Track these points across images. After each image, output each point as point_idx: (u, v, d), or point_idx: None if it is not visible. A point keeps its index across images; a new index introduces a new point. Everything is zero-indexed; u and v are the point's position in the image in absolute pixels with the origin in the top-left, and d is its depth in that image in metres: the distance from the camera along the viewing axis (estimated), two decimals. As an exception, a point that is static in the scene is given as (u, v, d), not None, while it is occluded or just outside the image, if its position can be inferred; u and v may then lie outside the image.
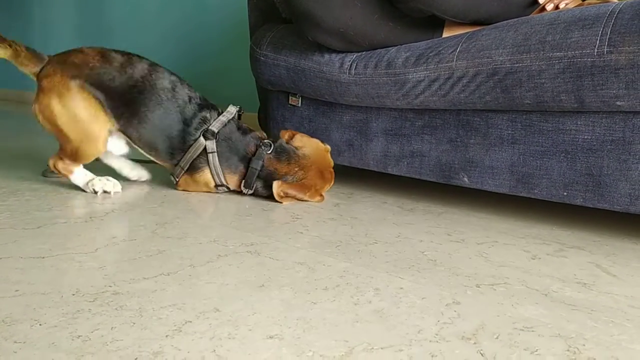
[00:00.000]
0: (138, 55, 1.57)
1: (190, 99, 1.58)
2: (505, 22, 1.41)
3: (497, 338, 0.78)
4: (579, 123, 1.31)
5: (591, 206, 1.32)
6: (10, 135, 3.03)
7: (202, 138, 1.55)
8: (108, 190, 1.54)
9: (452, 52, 1.44)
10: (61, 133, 1.46)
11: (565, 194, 1.35)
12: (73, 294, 0.85)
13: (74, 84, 1.44)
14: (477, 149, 1.50)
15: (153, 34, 3.09)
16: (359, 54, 1.64)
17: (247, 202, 1.60)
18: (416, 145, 1.62)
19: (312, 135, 1.75)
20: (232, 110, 1.64)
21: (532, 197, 1.42)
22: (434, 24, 1.57)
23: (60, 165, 1.50)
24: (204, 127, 1.57)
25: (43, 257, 1.01)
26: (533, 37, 1.30)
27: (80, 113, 1.44)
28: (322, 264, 1.07)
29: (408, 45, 1.56)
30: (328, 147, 1.72)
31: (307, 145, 1.67)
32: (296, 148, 1.65)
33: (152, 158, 1.61)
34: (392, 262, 1.10)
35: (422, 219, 1.48)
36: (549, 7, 1.49)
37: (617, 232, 1.43)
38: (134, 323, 0.76)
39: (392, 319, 0.83)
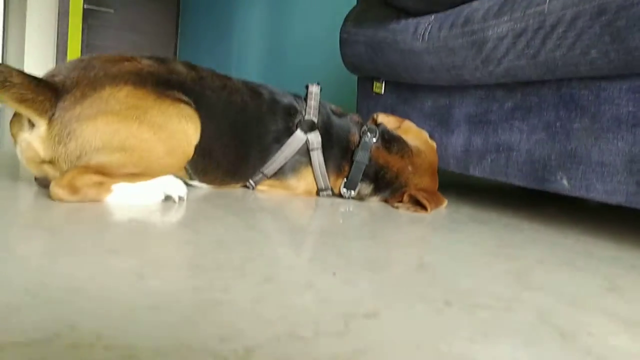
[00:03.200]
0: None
1: (268, 91, 1.20)
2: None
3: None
4: None
5: None
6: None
7: (299, 131, 1.18)
8: (177, 194, 0.99)
9: (546, -9, 0.99)
10: (134, 154, 0.91)
11: None
12: None
13: (153, 91, 0.95)
14: (582, 136, 1.01)
15: (320, 54, 3.06)
16: (437, 15, 1.26)
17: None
18: (503, 135, 1.17)
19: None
20: (315, 90, 1.22)
21: (662, 211, 0.88)
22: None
23: (94, 191, 0.89)
24: (297, 118, 1.19)
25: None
26: (666, -52, 0.81)
27: (171, 120, 0.95)
28: (241, 245, 0.74)
29: (497, -5, 1.15)
30: (434, 144, 1.34)
31: (417, 138, 1.29)
32: (406, 139, 1.27)
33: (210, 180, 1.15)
34: (356, 260, 0.72)
35: (483, 230, 1.03)
36: None
37: None
38: None
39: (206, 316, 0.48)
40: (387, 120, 1.31)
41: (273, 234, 0.83)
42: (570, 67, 0.99)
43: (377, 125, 1.27)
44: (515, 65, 1.08)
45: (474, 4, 1.17)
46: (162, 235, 0.75)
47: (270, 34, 3.74)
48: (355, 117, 1.31)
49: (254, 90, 1.17)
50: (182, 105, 0.98)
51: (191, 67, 1.09)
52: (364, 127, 1.24)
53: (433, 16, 1.27)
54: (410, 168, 1.23)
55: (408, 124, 1.32)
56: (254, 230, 0.83)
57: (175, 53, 5.56)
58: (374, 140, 1.22)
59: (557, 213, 1.38)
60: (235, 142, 1.12)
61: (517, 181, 1.15)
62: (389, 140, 1.24)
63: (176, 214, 0.89)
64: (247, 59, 4.08)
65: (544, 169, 1.08)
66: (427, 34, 1.25)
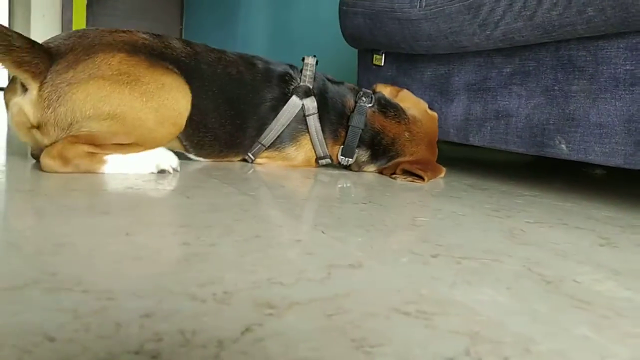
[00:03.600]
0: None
1: (262, 61, 1.20)
2: None
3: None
4: None
5: None
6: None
7: (294, 97, 1.17)
8: (170, 165, 0.99)
9: (542, -50, 0.97)
10: (126, 122, 0.90)
11: None
12: None
13: (145, 60, 0.95)
14: (580, 99, 0.99)
15: (329, 38, 3.05)
16: (435, -19, 1.24)
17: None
18: (502, 101, 1.16)
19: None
20: (311, 61, 1.22)
21: (661, 170, 0.87)
22: None
23: (86, 162, 0.89)
24: (293, 85, 1.19)
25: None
26: None
27: (163, 89, 0.94)
28: (233, 207, 0.74)
29: (494, -42, 1.13)
30: (435, 114, 1.33)
31: (415, 106, 1.28)
32: (403, 106, 1.26)
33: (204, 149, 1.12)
34: (347, 220, 0.72)
35: (481, 196, 1.02)
36: None
37: None
38: None
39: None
40: (385, 90, 1.30)
41: (267, 199, 0.83)
42: (567, 28, 0.97)
43: (375, 93, 1.26)
44: (512, 28, 1.06)
45: (470, -32, 1.15)
46: (154, 201, 0.76)
47: (275, 12, 3.72)
48: (351, 85, 1.31)
49: (248, 62, 1.17)
50: (174, 76, 0.98)
51: (186, 43, 1.10)
52: (360, 92, 1.24)
53: (430, -17, 1.25)
54: (406, 134, 1.22)
55: (405, 93, 1.31)
56: (247, 196, 0.83)
57: (180, 37, 5.56)
58: (370, 105, 1.21)
59: (559, 182, 1.37)
60: (232, 113, 1.11)
61: (516, 147, 1.14)
62: (385, 105, 1.23)
63: (170, 183, 0.89)
64: (252, 39, 4.08)
65: (542, 133, 1.07)
66: (424, 0, 1.24)
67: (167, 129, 0.97)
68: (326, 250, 0.56)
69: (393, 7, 1.33)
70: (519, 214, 0.86)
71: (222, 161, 1.18)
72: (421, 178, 1.14)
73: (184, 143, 1.08)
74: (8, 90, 0.91)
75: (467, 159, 1.84)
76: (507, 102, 1.15)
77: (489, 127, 1.20)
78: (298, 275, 0.47)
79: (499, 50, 1.16)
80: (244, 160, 1.21)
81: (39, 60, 0.85)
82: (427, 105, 1.31)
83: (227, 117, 1.10)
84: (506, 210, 0.87)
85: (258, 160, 1.20)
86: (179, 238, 0.56)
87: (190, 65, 1.05)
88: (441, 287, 0.47)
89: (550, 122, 1.05)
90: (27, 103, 0.87)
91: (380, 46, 1.50)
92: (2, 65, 0.83)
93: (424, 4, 1.24)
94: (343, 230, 0.65)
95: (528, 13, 1.02)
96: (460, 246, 0.62)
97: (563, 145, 1.03)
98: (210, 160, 1.16)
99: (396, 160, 1.22)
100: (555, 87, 1.04)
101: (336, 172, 1.22)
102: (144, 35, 1.02)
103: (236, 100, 1.11)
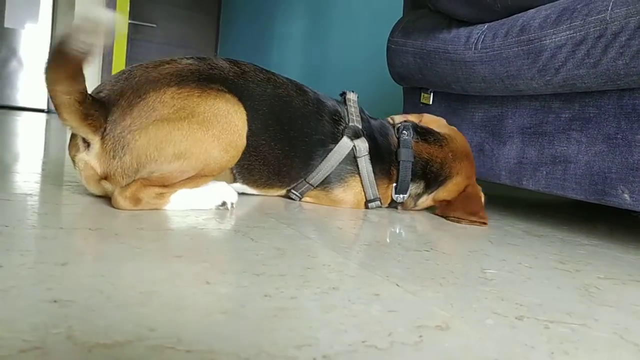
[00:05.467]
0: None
1: (311, 91, 1.19)
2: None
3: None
4: None
5: None
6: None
7: (345, 138, 1.15)
8: (230, 200, 1.00)
9: (608, -1, 0.97)
10: (192, 158, 0.91)
11: None
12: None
13: (196, 88, 0.94)
14: (646, 148, 0.97)
15: (363, 75, 3.05)
16: (490, 24, 1.24)
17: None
18: (560, 147, 1.14)
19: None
20: (353, 97, 1.23)
21: None
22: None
23: (155, 201, 0.91)
24: (342, 124, 1.17)
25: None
26: None
27: (220, 114, 0.94)
28: (300, 253, 0.73)
29: (555, 2, 1.12)
30: (454, 127, 1.34)
31: (441, 126, 1.30)
32: (435, 129, 1.28)
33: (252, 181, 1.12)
34: (416, 270, 0.71)
35: (540, 244, 1.00)
36: None
37: None
38: None
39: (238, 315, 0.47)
40: (411, 117, 1.31)
41: (329, 243, 0.82)
42: (633, 77, 0.96)
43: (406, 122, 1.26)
44: (574, 75, 1.05)
45: (530, 12, 1.15)
46: (222, 242, 0.76)
47: (310, 47, 3.75)
48: (386, 119, 1.30)
49: (298, 87, 1.16)
50: (227, 97, 0.97)
51: (233, 62, 1.08)
52: (398, 126, 1.24)
53: (486, 25, 1.25)
54: (450, 155, 1.23)
55: (428, 116, 1.32)
56: (309, 239, 0.82)
57: (215, 65, 5.64)
58: (411, 136, 1.21)
59: (613, 227, 1.33)
60: (281, 137, 1.09)
61: (575, 194, 1.11)
62: (423, 132, 1.24)
63: (230, 222, 0.89)
64: (287, 72, 4.13)
65: (604, 182, 1.05)
66: (480, 43, 1.23)
67: (230, 153, 0.96)
68: (407, 308, 0.54)
69: (446, 48, 1.33)
70: (587, 267, 0.83)
71: (267, 195, 1.18)
72: (483, 223, 1.14)
73: (234, 171, 1.07)
74: (72, 147, 0.93)
75: (509, 196, 1.81)
76: (565, 148, 1.13)
77: (544, 172, 1.18)
78: (390, 338, 0.46)
79: (558, 95, 1.15)
80: (289, 197, 1.20)
81: (98, 113, 0.86)
82: (445, 121, 1.31)
83: (276, 141, 1.08)
84: (572, 263, 0.85)
85: (305, 198, 1.20)
86: (258, 289, 0.55)
87: (239, 85, 1.03)
88: (539, 358, 0.45)
89: (613, 170, 1.03)
90: (92, 158, 0.89)
91: (430, 85, 1.50)
92: (69, 118, 0.83)
93: (479, 46, 1.24)
94: (416, 283, 0.64)
95: (592, 61, 1.00)
96: (541, 306, 0.60)
97: (626, 195, 1.01)
98: (256, 189, 1.14)
99: (446, 199, 1.22)
100: (618, 136, 1.02)
101: (385, 211, 1.21)
102: (189, 61, 1.00)
103: (286, 124, 1.10)
